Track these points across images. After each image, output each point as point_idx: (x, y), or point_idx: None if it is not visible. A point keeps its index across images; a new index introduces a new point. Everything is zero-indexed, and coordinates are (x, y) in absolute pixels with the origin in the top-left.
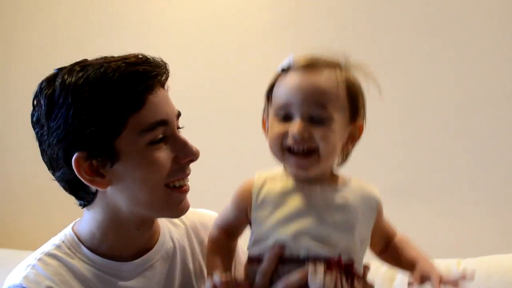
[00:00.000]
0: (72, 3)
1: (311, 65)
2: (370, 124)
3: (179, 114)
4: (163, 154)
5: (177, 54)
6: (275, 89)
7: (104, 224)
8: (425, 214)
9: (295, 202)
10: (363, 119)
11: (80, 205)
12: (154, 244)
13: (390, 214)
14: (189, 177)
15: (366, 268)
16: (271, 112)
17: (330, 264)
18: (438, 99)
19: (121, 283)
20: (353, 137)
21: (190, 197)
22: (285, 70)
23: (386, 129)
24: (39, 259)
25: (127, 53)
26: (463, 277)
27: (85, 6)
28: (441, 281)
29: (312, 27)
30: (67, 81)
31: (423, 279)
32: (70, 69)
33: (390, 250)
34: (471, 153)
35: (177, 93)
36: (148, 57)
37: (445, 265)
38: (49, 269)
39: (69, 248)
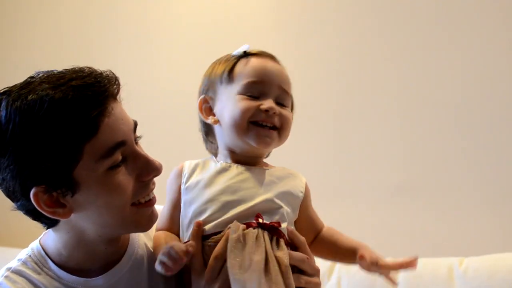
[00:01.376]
0: (74, 5)
1: (271, 55)
2: (374, 124)
3: (135, 126)
4: (125, 178)
5: (180, 54)
6: (238, 70)
7: (70, 244)
8: (428, 213)
9: (224, 179)
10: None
11: (44, 227)
12: (122, 255)
13: (394, 213)
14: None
15: (291, 233)
16: (234, 90)
17: (250, 223)
18: (442, 98)
19: None
20: None
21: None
22: (244, 56)
23: (389, 128)
24: (6, 277)
25: (74, 67)
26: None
27: (87, 7)
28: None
29: (316, 28)
30: (13, 108)
31: (373, 264)
32: (14, 98)
33: (322, 240)
34: (475, 152)
35: (180, 93)
36: (96, 73)
37: (448, 264)
38: (16, 286)
39: (36, 263)
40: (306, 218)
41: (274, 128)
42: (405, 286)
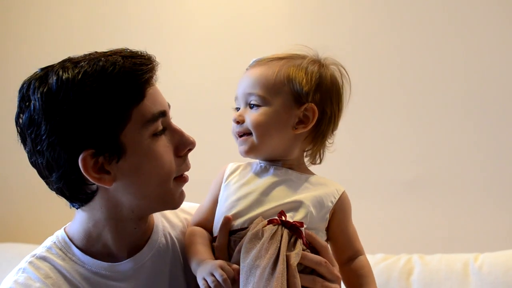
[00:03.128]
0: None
1: (259, 62)
2: (388, 119)
3: (169, 106)
4: (166, 149)
5: (192, 52)
6: None
7: (102, 222)
8: (442, 208)
9: (260, 180)
10: (317, 104)
11: (73, 206)
12: (146, 241)
13: (408, 209)
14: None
15: (310, 235)
16: None
17: (272, 220)
18: (455, 93)
19: (112, 284)
20: (303, 121)
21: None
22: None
23: (403, 124)
24: (30, 262)
25: (113, 49)
26: None
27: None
28: None
29: (330, 23)
30: (64, 77)
31: None
32: (62, 67)
33: (350, 268)
34: (489, 147)
35: (192, 87)
36: (138, 51)
37: (463, 260)
38: (40, 272)
39: (60, 249)
40: (341, 233)
41: (246, 134)
42: (421, 282)
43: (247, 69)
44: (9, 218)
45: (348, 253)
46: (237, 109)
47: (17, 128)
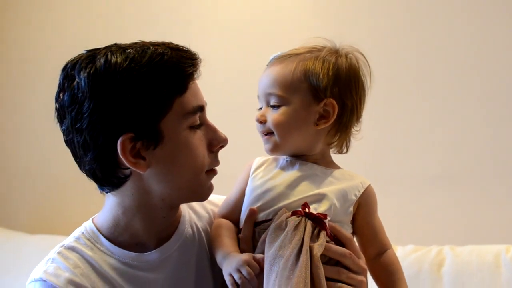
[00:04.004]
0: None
1: (278, 59)
2: (416, 113)
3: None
4: (201, 143)
5: (219, 47)
6: None
7: (131, 210)
8: (474, 200)
9: (286, 174)
10: (336, 98)
11: (103, 191)
12: (173, 232)
13: (439, 201)
14: None
15: (334, 228)
16: None
17: (296, 211)
18: (482, 86)
19: (139, 273)
20: (325, 117)
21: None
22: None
23: (431, 117)
24: (59, 253)
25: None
26: None
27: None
28: None
29: (355, 16)
30: (112, 60)
31: None
32: (110, 51)
33: (379, 264)
34: None
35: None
36: (182, 45)
37: (494, 251)
38: (69, 262)
39: (88, 239)
40: (367, 227)
41: (269, 133)
42: (452, 274)
43: (267, 66)
44: (41, 210)
45: (375, 247)
46: (261, 108)
47: (55, 105)
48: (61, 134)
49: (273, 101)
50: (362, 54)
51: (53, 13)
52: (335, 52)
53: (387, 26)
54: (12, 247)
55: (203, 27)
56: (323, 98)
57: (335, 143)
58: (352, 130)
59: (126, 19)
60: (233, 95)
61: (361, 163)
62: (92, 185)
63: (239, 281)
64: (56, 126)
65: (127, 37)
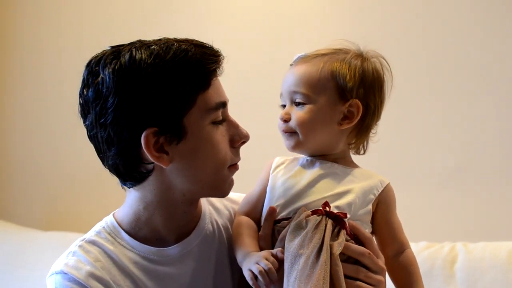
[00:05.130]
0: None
1: (303, 58)
2: (429, 107)
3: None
4: (223, 138)
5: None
6: None
7: (152, 205)
8: (486, 196)
9: (307, 173)
10: (361, 99)
11: (125, 186)
12: (194, 228)
13: (451, 197)
14: None
15: (354, 227)
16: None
17: (316, 210)
18: (497, 80)
19: (159, 268)
20: (348, 117)
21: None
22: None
23: (445, 111)
24: (80, 246)
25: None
26: None
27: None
28: None
29: (373, 17)
30: (137, 56)
31: None
32: (135, 47)
33: (399, 265)
34: None
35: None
36: (206, 42)
37: (508, 248)
38: (90, 255)
39: (109, 234)
40: (385, 225)
41: (292, 132)
42: (465, 270)
43: (291, 65)
44: (54, 207)
45: (394, 246)
46: (283, 106)
47: (79, 101)
48: (75, 131)
49: (298, 99)
50: (385, 59)
51: (55, 13)
52: (360, 55)
53: (403, 20)
54: (25, 244)
55: (222, 25)
56: (349, 99)
57: (354, 144)
58: (370, 133)
59: (141, 17)
60: (254, 92)
61: (374, 160)
62: (104, 182)
63: (257, 273)
64: (70, 124)
65: (139, 35)
